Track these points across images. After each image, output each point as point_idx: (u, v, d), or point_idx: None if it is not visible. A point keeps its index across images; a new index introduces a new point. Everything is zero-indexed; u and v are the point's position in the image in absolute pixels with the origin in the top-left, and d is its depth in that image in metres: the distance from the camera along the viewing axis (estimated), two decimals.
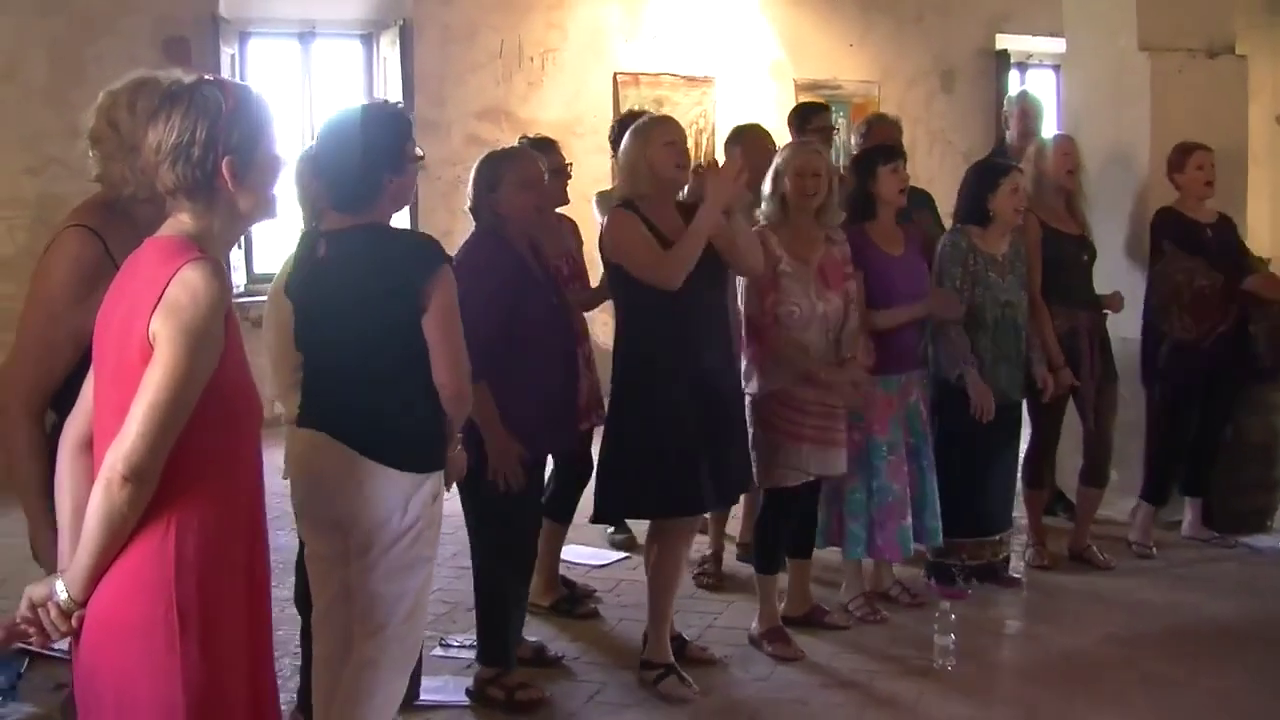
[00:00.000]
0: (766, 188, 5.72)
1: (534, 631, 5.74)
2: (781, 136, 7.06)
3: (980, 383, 6.16)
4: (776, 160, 5.75)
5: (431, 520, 3.98)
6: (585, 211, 6.93)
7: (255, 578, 2.97)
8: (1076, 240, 6.80)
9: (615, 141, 6.74)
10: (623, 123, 6.79)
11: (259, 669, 2.99)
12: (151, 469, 2.71)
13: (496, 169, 5.20)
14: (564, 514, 6.20)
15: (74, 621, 2.81)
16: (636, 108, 9.14)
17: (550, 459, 5.75)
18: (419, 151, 4.15)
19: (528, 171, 5.25)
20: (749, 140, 6.63)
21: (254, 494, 3.01)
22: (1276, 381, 7.24)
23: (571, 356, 5.41)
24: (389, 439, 3.92)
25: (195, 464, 2.79)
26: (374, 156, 4.00)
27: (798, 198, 5.64)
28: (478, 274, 4.94)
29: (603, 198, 6.80)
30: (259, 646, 3.00)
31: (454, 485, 4.41)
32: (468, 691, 5.22)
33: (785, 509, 5.74)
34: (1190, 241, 6.92)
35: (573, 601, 6.24)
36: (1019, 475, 6.78)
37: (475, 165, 5.28)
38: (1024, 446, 6.78)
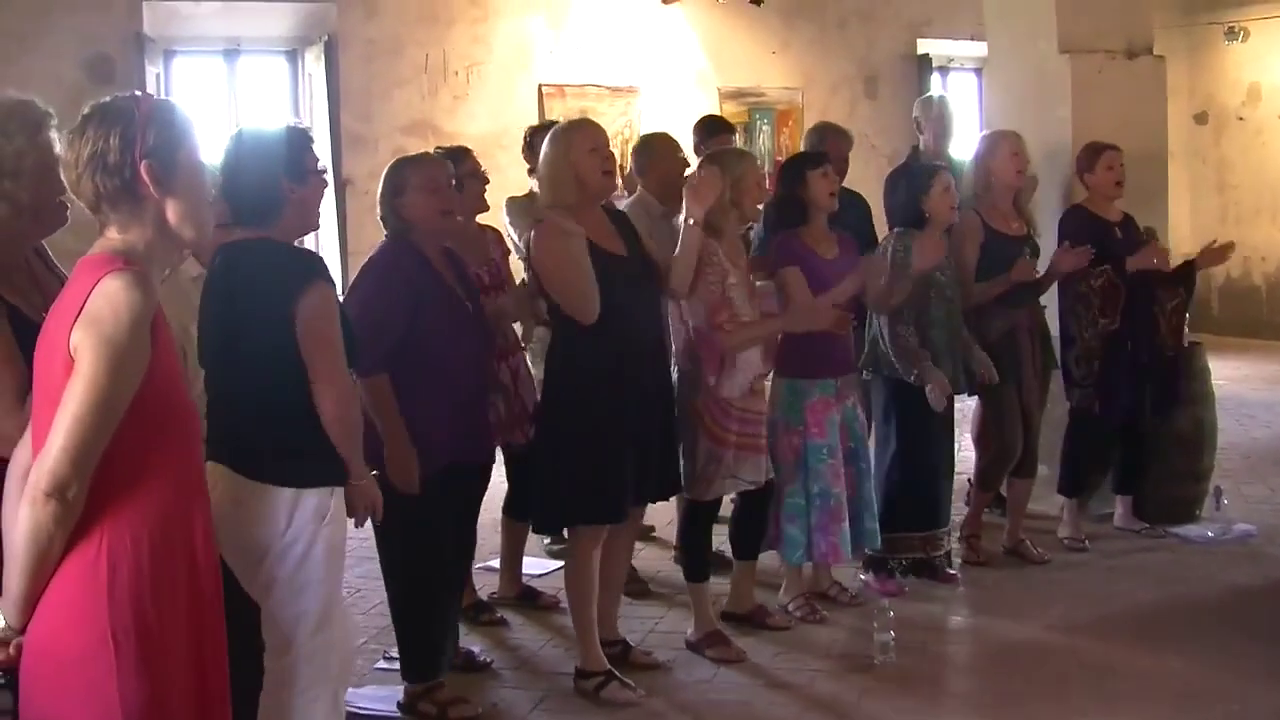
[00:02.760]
0: (724, 196, 5.53)
1: (470, 640, 5.75)
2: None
3: (937, 371, 6.21)
4: (722, 169, 5.57)
5: (318, 540, 3.82)
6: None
7: (200, 590, 2.91)
8: (1017, 241, 6.81)
9: (530, 149, 6.77)
10: (537, 131, 6.82)
11: (208, 681, 2.93)
12: (75, 484, 2.66)
13: (401, 174, 5.16)
14: (523, 512, 6.22)
15: (12, 649, 2.76)
16: (562, 119, 9.14)
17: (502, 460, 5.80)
18: (321, 165, 4.10)
19: (432, 176, 5.19)
20: (657, 149, 6.58)
21: (192, 507, 2.92)
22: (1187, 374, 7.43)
23: (482, 365, 5.39)
24: (262, 453, 3.80)
25: (124, 481, 2.75)
26: (270, 165, 3.96)
27: (753, 209, 5.69)
28: (380, 274, 4.97)
29: (513, 204, 6.74)
30: (207, 658, 2.94)
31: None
32: (399, 705, 5.17)
33: (708, 518, 5.80)
34: (1099, 240, 6.92)
35: (532, 600, 6.42)
36: (970, 476, 7.01)
37: (383, 174, 5.24)
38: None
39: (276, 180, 3.96)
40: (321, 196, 4.13)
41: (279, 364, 3.84)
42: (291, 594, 3.81)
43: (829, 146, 7.23)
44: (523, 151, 6.95)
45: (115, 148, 2.76)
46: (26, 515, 2.67)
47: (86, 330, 2.67)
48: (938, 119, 7.89)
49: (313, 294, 3.85)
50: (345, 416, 3.91)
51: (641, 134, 6.90)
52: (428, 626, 5.14)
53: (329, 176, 4.25)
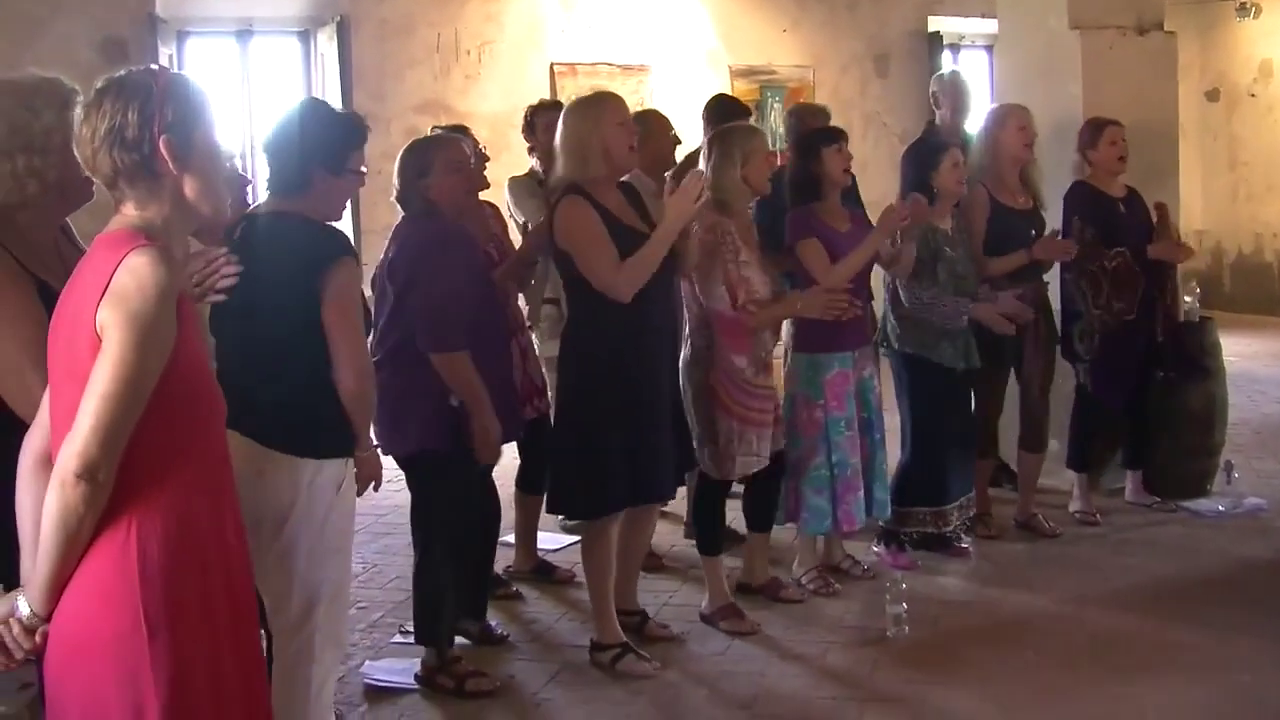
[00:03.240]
0: (736, 173, 5.63)
1: (486, 614, 5.76)
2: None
3: (988, 306, 6.41)
4: (733, 145, 5.67)
5: (335, 509, 3.93)
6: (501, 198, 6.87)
7: (231, 569, 2.87)
8: (1023, 215, 6.84)
9: (529, 128, 6.84)
10: (538, 110, 6.88)
11: (244, 661, 2.90)
12: (105, 465, 2.60)
13: (426, 154, 5.19)
14: (537, 487, 6.26)
15: (38, 638, 2.71)
16: (573, 97, 9.16)
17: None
18: (364, 168, 4.16)
19: (456, 155, 5.25)
20: (651, 127, 6.50)
21: (220, 486, 2.89)
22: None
23: (509, 340, 5.47)
24: (284, 424, 3.86)
25: (152, 463, 2.70)
26: (310, 145, 4.03)
27: (762, 183, 5.73)
28: (443, 249, 4.98)
29: (515, 183, 6.78)
30: (242, 636, 2.90)
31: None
32: (416, 677, 5.22)
33: (722, 491, 5.84)
34: (1104, 216, 6.94)
35: (547, 574, 6.50)
36: None
37: (400, 154, 5.26)
38: None
39: (311, 162, 4.03)
40: (351, 194, 4.22)
41: (302, 336, 3.89)
42: (313, 562, 3.88)
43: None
44: (523, 130, 6.99)
45: (134, 122, 2.71)
46: (55, 498, 2.61)
47: (113, 308, 2.61)
48: (954, 94, 7.87)
49: (342, 269, 3.93)
50: (364, 390, 3.99)
51: (635, 111, 6.87)
52: (449, 594, 5.19)
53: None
